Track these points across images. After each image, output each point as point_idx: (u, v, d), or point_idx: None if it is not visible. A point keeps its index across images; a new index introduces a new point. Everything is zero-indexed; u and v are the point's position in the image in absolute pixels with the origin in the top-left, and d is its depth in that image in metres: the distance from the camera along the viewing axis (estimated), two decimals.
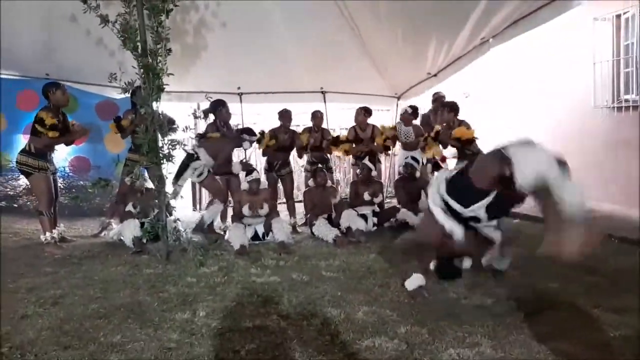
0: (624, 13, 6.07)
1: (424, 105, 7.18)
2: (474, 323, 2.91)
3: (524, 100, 7.42)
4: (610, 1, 5.91)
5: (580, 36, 6.52)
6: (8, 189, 6.96)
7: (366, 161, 5.91)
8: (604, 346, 2.59)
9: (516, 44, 6.01)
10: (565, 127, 6.28)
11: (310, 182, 5.96)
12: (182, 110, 5.81)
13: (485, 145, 5.89)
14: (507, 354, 2.51)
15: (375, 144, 6.47)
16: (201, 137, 5.56)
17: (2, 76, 6.96)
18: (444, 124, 5.81)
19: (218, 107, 5.61)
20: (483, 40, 6.14)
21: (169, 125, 4.57)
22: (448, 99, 6.50)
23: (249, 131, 5.70)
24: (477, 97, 8.00)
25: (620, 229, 5.06)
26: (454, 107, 5.76)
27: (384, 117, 8.01)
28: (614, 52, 6.22)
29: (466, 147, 5.61)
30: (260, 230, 5.32)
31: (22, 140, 6.89)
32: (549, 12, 5.28)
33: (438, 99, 6.75)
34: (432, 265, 3.35)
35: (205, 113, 5.50)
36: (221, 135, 5.56)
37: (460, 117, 5.77)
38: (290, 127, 6.37)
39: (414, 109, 6.56)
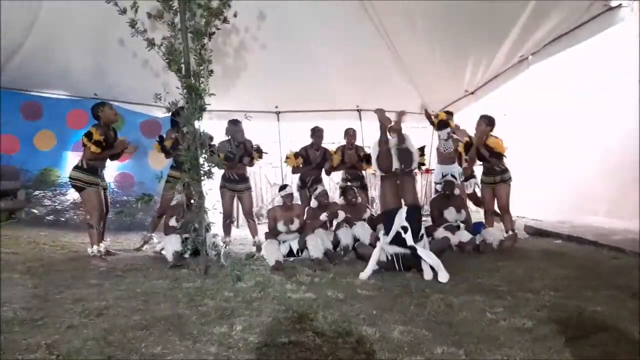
0: None
1: (461, 122, 7.10)
2: (513, 346, 2.84)
3: (564, 121, 7.20)
4: None
5: (624, 52, 6.34)
6: (56, 204, 7.29)
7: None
8: None
9: (556, 61, 5.90)
10: (612, 150, 6.05)
11: (341, 200, 5.99)
12: (222, 129, 5.99)
13: (513, 165, 5.85)
14: None
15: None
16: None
17: (53, 96, 7.37)
18: (478, 136, 5.78)
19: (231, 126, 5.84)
20: (522, 58, 6.06)
21: (209, 146, 4.71)
22: None
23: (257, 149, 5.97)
24: (515, 117, 7.86)
25: None
26: (491, 121, 5.74)
27: (421, 134, 7.96)
28: None
29: (495, 161, 5.63)
30: (295, 246, 5.38)
31: (70, 157, 7.24)
32: (592, 28, 5.17)
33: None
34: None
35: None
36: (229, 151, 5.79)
37: (495, 134, 5.74)
38: (323, 145, 6.43)
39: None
